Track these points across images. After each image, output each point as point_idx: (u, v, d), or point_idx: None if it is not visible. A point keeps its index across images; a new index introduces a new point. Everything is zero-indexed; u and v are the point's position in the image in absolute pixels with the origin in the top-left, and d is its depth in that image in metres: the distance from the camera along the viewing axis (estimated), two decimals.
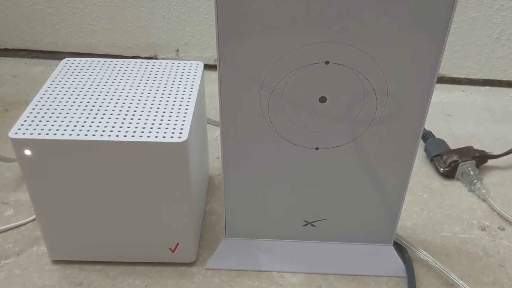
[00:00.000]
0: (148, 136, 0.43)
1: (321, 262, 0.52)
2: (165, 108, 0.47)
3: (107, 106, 0.47)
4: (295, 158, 0.45)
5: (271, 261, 0.52)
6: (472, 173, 0.63)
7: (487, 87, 0.86)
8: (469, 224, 0.59)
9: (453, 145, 0.68)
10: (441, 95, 0.84)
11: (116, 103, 0.47)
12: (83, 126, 0.44)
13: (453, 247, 0.55)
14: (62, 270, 0.51)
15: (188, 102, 0.48)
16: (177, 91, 0.50)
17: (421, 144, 0.70)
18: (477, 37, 0.82)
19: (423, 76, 0.40)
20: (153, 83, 0.51)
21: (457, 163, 0.64)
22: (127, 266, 0.52)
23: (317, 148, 0.45)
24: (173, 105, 0.48)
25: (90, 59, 0.55)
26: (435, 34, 0.38)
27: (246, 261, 0.52)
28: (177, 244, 0.50)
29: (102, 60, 0.55)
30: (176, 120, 0.45)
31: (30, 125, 0.44)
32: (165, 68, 0.54)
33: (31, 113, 0.46)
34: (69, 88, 0.50)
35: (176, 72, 0.53)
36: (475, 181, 0.63)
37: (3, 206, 0.59)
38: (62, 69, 0.53)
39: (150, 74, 0.53)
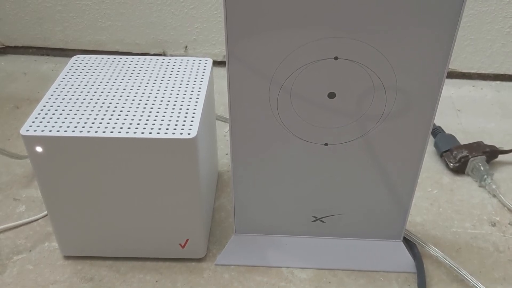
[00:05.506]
0: (158, 133, 0.43)
1: (331, 257, 0.52)
2: (174, 105, 0.47)
3: (117, 103, 0.47)
4: (304, 154, 0.45)
5: (281, 257, 0.52)
6: (482, 168, 0.63)
7: (498, 82, 0.86)
8: (480, 219, 0.58)
9: (463, 141, 0.68)
10: (451, 90, 0.83)
11: (126, 99, 0.48)
12: (93, 123, 0.44)
13: (463, 243, 0.55)
14: (74, 265, 0.52)
15: (197, 98, 0.48)
16: (186, 87, 0.50)
17: (431, 140, 0.70)
18: (488, 31, 0.81)
19: (432, 71, 0.40)
20: (162, 80, 0.51)
21: (467, 158, 0.64)
22: (137, 261, 0.52)
23: (326, 144, 0.45)
24: (182, 101, 0.48)
25: (99, 57, 0.55)
26: (445, 29, 0.38)
27: (256, 257, 0.52)
28: (187, 240, 0.50)
29: (111, 57, 0.55)
30: (185, 117, 0.45)
31: (41, 122, 0.44)
32: (174, 65, 0.54)
33: (42, 110, 0.46)
34: (79, 85, 0.50)
35: (185, 68, 0.53)
36: (485, 176, 0.62)
37: (15, 202, 0.60)
38: (72, 66, 0.53)
39: (159, 71, 0.53)
